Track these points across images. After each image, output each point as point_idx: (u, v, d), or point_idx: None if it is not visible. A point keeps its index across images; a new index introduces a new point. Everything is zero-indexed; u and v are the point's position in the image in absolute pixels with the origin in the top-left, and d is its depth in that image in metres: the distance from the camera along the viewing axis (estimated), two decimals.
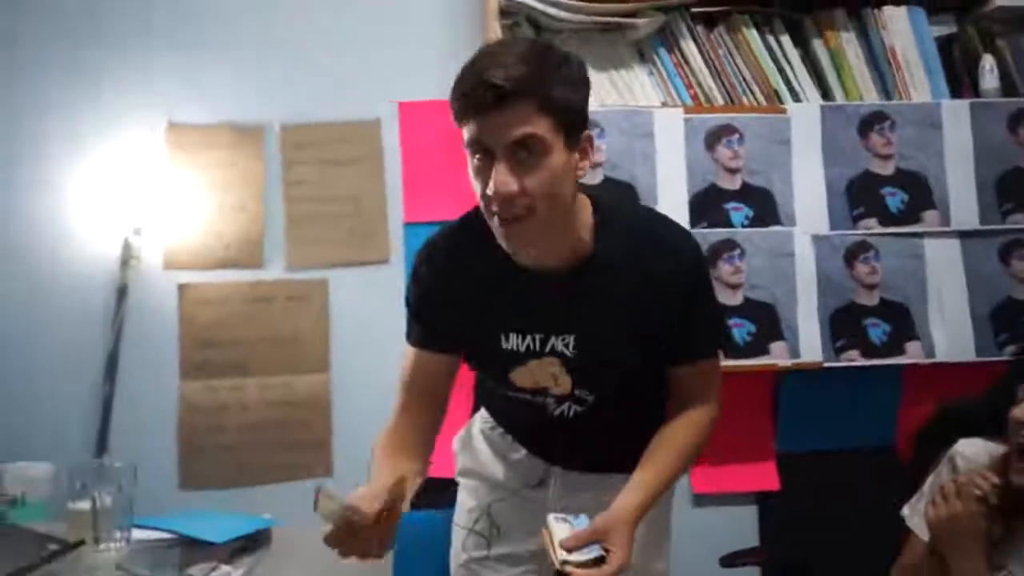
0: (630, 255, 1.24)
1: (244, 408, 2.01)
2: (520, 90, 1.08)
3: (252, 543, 1.73)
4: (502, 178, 1.10)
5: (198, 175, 2.05)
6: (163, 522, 1.52)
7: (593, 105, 1.91)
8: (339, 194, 2.07)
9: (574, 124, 1.15)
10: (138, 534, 1.47)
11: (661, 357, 1.32)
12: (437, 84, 2.05)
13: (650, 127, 1.98)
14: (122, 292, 1.99)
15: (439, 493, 1.63)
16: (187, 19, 2.11)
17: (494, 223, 1.15)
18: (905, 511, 1.50)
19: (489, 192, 1.11)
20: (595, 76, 1.96)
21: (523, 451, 1.46)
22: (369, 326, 2.08)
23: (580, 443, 1.40)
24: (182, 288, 2.04)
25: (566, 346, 1.30)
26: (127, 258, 2.00)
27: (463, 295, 1.29)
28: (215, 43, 2.11)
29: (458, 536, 1.53)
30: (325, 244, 2.06)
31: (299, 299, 2.04)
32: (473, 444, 1.55)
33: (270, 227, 2.07)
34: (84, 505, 1.41)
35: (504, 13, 1.98)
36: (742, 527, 2.08)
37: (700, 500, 2.12)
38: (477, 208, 1.23)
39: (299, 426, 2.03)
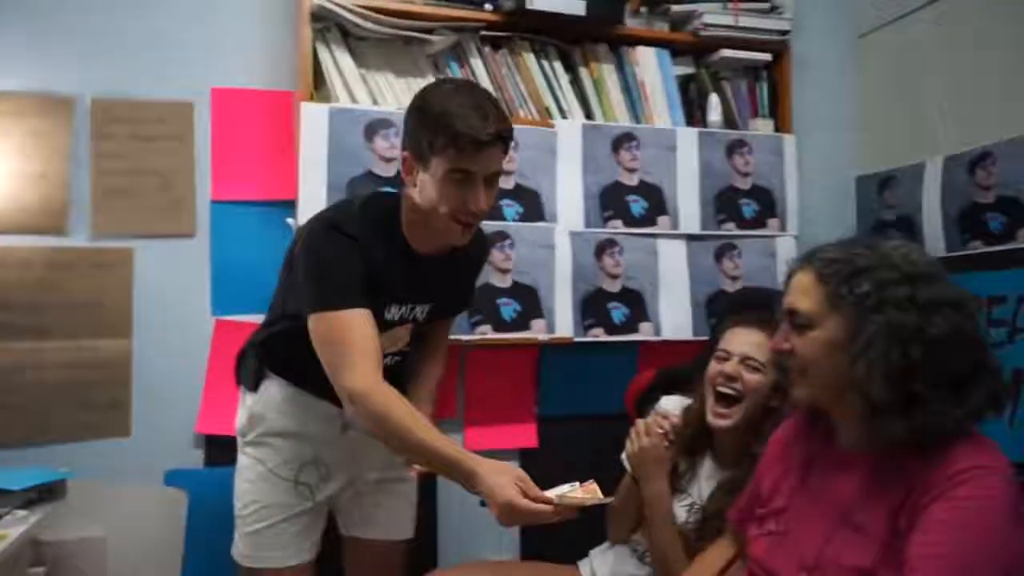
0: (470, 244, 1.61)
1: (41, 368, 2.03)
2: (506, 138, 1.49)
3: (48, 494, 1.82)
4: (484, 199, 1.50)
5: (2, 142, 2.04)
6: None
7: (392, 108, 2.17)
8: (148, 169, 2.13)
9: None
10: None
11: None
12: (248, 74, 2.23)
13: None
14: None
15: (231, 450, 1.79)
16: None
17: (454, 225, 1.52)
18: (622, 456, 1.85)
19: (473, 208, 1.49)
20: (395, 82, 2.21)
21: (325, 403, 1.64)
22: (173, 296, 2.15)
23: (404, 386, 1.73)
24: None
25: (422, 313, 1.67)
26: None
27: (369, 270, 1.52)
28: (31, 12, 2.09)
29: (278, 486, 1.68)
30: (132, 215, 2.11)
31: (103, 266, 2.09)
32: (279, 406, 1.70)
33: (77, 196, 2.09)
34: None
35: (316, 18, 2.09)
36: None
37: None
38: (378, 201, 1.61)
39: (98, 388, 2.08)
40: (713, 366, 1.71)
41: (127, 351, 2.12)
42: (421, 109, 1.49)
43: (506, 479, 1.30)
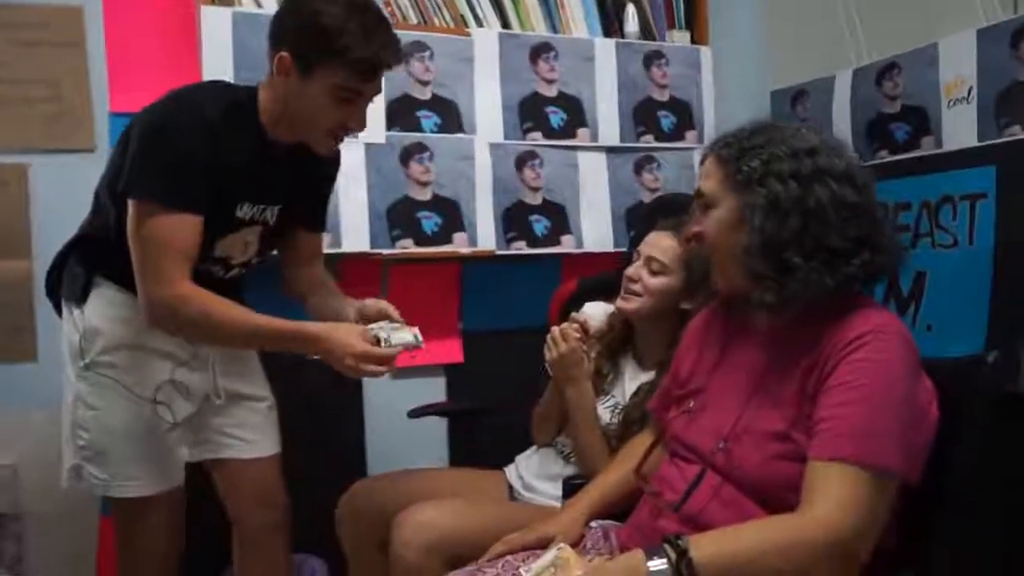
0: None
1: None
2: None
3: None
4: (363, 119, 1.52)
5: None
6: None
7: None
8: (39, 78, 2.02)
9: None
10: None
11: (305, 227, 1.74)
12: None
13: None
14: None
15: None
16: None
17: (327, 140, 1.53)
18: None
19: (355, 127, 1.51)
20: None
21: None
22: (75, 214, 2.02)
23: (243, 300, 1.62)
24: None
25: (272, 215, 1.60)
26: None
27: (223, 163, 1.45)
28: None
29: (136, 406, 1.56)
30: (23, 129, 2.01)
31: None
32: (115, 314, 1.55)
33: None
34: None
35: None
36: (433, 392, 2.35)
37: (395, 373, 2.31)
38: (238, 93, 1.55)
39: None
40: (631, 268, 1.74)
41: (27, 272, 2.03)
42: (313, 18, 1.42)
43: (354, 336, 1.44)
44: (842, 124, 2.54)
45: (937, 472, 1.12)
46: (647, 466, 1.36)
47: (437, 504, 1.59)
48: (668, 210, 2.08)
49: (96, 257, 1.58)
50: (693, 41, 2.57)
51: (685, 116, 2.53)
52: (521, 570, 1.21)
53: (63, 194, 2.04)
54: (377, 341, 1.46)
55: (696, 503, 1.18)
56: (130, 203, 1.44)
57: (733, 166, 1.17)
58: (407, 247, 2.21)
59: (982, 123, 2.11)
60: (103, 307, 1.56)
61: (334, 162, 1.76)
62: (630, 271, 1.71)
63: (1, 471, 1.97)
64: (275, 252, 1.74)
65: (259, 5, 2.05)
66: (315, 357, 1.46)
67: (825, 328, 1.13)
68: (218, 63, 1.99)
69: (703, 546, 1.02)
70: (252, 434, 1.73)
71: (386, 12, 2.19)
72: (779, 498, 1.10)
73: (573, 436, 1.74)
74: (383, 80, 1.51)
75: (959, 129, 2.19)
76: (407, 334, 1.51)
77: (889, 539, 1.11)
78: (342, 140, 1.55)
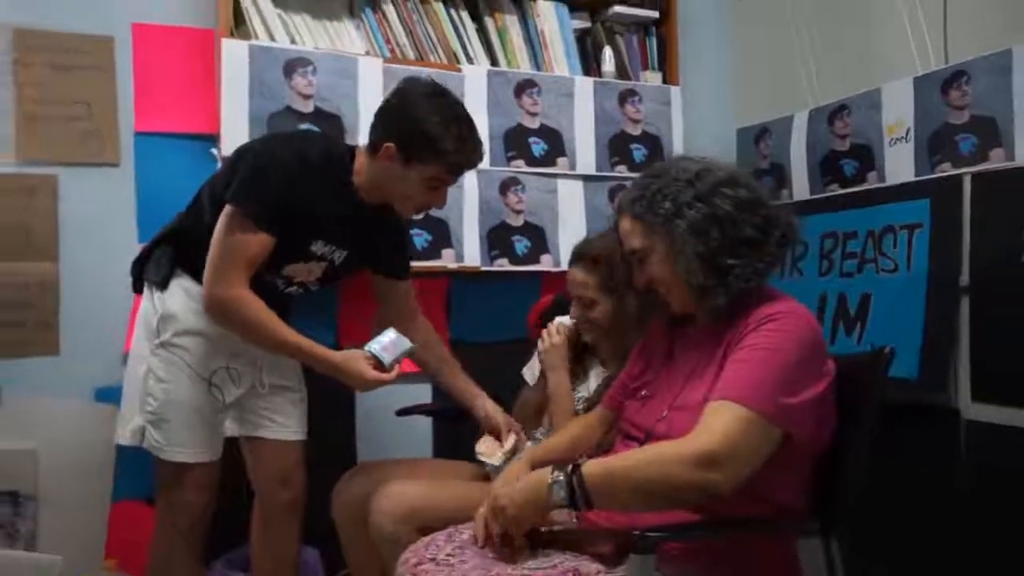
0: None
1: None
2: None
3: None
4: (446, 200, 1.88)
5: None
6: None
7: (308, 47, 2.31)
8: (69, 98, 2.21)
9: None
10: None
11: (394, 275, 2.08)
12: (168, 10, 2.32)
13: (355, 71, 2.33)
14: None
15: None
16: None
17: (410, 211, 1.90)
18: (524, 370, 2.13)
19: (437, 207, 1.91)
20: (312, 23, 2.35)
21: None
22: (99, 223, 2.24)
23: (290, 312, 1.96)
24: None
25: (339, 257, 1.90)
26: None
27: (313, 205, 1.76)
28: None
29: (195, 385, 1.83)
30: (56, 143, 2.20)
31: (28, 192, 2.17)
32: (190, 304, 1.82)
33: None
34: None
35: None
36: (420, 395, 2.48)
37: None
38: (337, 148, 1.88)
39: (26, 308, 2.17)
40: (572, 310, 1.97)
41: (54, 274, 2.21)
42: (420, 125, 1.73)
43: (363, 364, 1.75)
44: (798, 160, 2.78)
45: (838, 446, 1.33)
46: (602, 439, 1.57)
47: (413, 481, 1.79)
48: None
49: (182, 251, 1.85)
50: (664, 81, 2.79)
51: (656, 149, 2.75)
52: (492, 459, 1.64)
53: (88, 204, 2.25)
54: (378, 362, 1.76)
55: None
56: (225, 207, 1.73)
57: (649, 216, 1.38)
58: None
59: (918, 160, 2.36)
60: (181, 296, 1.83)
61: (408, 219, 2.08)
62: (574, 314, 1.94)
63: (23, 454, 2.13)
64: (333, 283, 2.06)
65: (272, 39, 2.27)
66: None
67: (744, 314, 1.35)
68: (236, 91, 2.20)
69: (592, 463, 1.25)
70: (284, 419, 1.99)
71: (386, 50, 2.43)
72: None
73: (551, 418, 1.95)
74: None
75: (899, 165, 2.43)
76: (400, 347, 1.80)
77: (793, 498, 1.32)
78: (424, 213, 1.94)
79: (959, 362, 2.11)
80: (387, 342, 1.79)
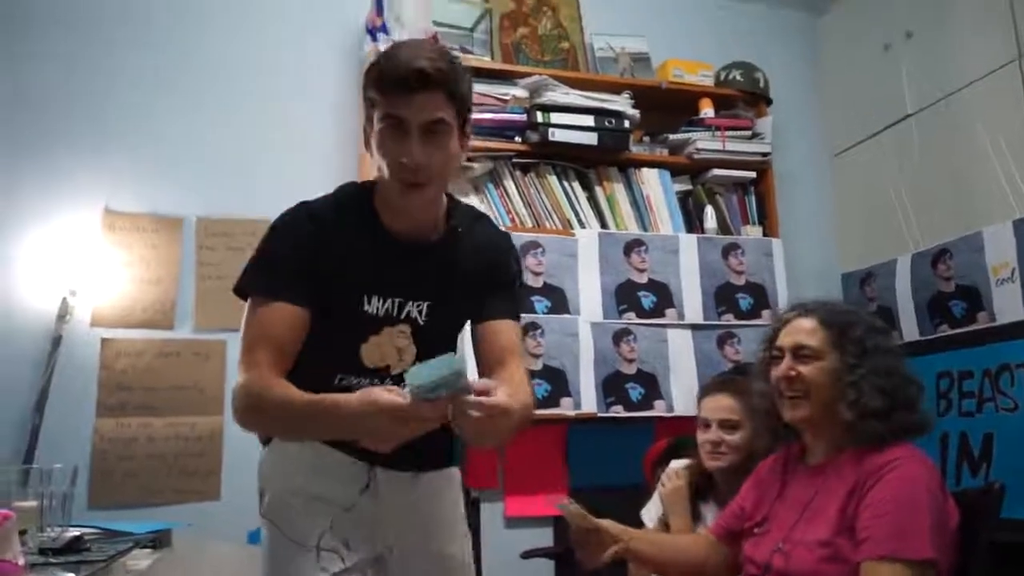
0: (471, 234, 1.47)
1: (151, 441, 2.41)
2: (439, 80, 1.29)
3: (159, 540, 2.16)
4: (418, 151, 1.30)
5: (124, 253, 2.51)
6: (90, 522, 1.90)
7: None
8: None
9: (466, 116, 1.38)
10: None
11: (480, 318, 1.47)
12: (323, 191, 2.70)
13: None
14: (56, 341, 2.36)
15: None
16: (136, 123, 2.61)
17: (395, 185, 1.34)
18: (642, 513, 2.17)
19: (405, 160, 1.30)
20: None
21: (340, 454, 1.40)
22: None
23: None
24: (104, 341, 2.46)
25: (420, 312, 1.42)
26: (63, 313, 2.38)
27: (336, 253, 1.36)
28: (149, 144, 2.60)
29: (305, 557, 1.37)
30: (226, 313, 2.53)
31: (202, 355, 2.51)
32: (289, 463, 1.43)
33: (182, 297, 2.53)
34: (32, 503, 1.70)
35: None
36: (542, 539, 2.58)
37: (511, 522, 2.63)
38: (352, 185, 1.48)
39: (195, 457, 2.45)
40: (699, 435, 2.04)
41: (219, 427, 2.50)
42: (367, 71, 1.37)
43: (378, 391, 1.21)
44: (905, 301, 2.85)
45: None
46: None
47: None
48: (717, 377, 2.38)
49: None
50: (765, 234, 2.97)
51: (761, 297, 2.89)
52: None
53: None
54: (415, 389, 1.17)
55: None
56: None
57: (837, 330, 1.53)
58: None
59: None
60: (277, 453, 1.47)
61: (494, 247, 1.52)
62: (709, 436, 1.99)
63: None
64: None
65: None
66: None
67: (861, 460, 1.44)
68: None
69: None
70: None
71: (508, 219, 2.71)
72: None
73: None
74: (435, 107, 1.31)
75: (1008, 304, 2.48)
76: (439, 369, 1.15)
77: None
78: (413, 185, 1.33)
79: None
80: (429, 361, 1.18)
